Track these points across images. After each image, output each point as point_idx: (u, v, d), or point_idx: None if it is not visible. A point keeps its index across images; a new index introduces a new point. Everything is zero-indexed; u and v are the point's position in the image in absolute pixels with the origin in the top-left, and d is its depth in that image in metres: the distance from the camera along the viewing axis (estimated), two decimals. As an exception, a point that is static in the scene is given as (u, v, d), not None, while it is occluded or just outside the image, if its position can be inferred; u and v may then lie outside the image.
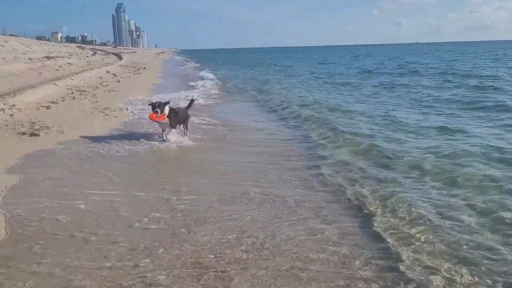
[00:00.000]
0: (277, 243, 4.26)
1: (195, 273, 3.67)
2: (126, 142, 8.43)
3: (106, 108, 12.19)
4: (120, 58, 47.20)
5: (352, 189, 5.88)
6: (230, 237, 4.39)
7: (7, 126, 8.69)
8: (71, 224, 4.57)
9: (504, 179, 6.01)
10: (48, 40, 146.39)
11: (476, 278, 3.62)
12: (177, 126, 9.10)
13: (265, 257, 3.97)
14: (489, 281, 3.57)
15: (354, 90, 20.48)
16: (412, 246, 4.15)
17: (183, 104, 12.14)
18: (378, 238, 4.41)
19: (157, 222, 4.74)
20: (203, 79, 27.32)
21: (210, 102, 15.88)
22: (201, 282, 3.52)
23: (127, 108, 12.75)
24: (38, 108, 11.08)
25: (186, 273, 3.65)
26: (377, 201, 5.36)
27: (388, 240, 4.33)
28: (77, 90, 15.40)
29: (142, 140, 8.67)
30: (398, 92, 18.72)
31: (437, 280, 3.57)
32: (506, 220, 4.71)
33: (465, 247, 4.12)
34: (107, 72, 25.31)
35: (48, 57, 32.77)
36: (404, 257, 3.94)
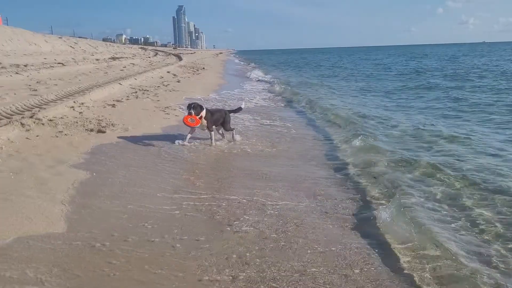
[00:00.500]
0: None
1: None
2: (189, 140, 8.62)
3: (167, 107, 12.57)
4: (180, 58, 48.56)
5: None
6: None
7: (76, 123, 9.17)
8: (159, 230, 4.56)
9: None
10: (113, 41, 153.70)
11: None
12: (216, 128, 8.89)
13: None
14: None
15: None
16: None
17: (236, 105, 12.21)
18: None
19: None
20: (260, 80, 27.49)
21: (266, 105, 15.93)
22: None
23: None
24: (105, 106, 11.61)
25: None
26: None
27: None
28: (140, 90, 16.01)
29: (202, 139, 8.84)
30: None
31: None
32: None
33: None
34: (168, 72, 26.12)
35: (113, 58, 34.38)
36: None
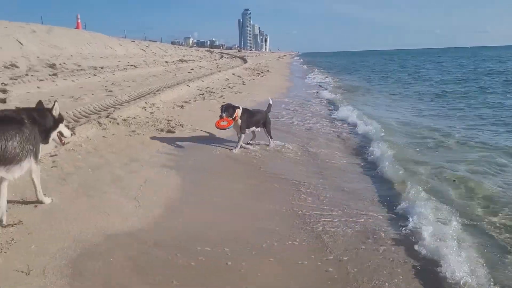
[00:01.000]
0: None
1: None
2: (259, 142, 8.74)
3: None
4: (245, 61, 49.21)
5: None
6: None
7: (148, 123, 9.59)
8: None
9: None
10: (181, 44, 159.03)
11: None
12: (253, 129, 8.56)
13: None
14: None
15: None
16: None
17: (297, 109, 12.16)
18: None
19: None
20: (322, 87, 27.18)
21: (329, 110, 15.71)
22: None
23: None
24: (174, 107, 12.03)
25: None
26: None
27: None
28: (206, 91, 16.43)
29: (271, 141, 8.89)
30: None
31: None
32: None
33: None
34: (233, 74, 26.58)
35: (181, 61, 35.56)
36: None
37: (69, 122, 8.37)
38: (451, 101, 18.57)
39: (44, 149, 5.52)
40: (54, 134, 4.81)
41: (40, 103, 4.83)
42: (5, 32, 20.75)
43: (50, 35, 25.41)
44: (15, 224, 4.18)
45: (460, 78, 30.91)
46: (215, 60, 48.13)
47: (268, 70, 35.09)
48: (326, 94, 20.03)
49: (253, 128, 8.59)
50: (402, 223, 5.05)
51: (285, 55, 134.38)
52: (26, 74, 14.68)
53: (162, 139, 8.34)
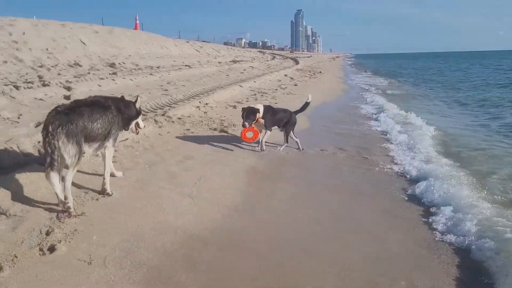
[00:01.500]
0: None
1: None
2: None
3: (285, 110, 12.77)
4: (297, 62, 49.05)
5: None
6: None
7: (201, 122, 9.77)
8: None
9: None
10: (234, 45, 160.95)
11: None
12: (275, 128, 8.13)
13: None
14: None
15: None
16: None
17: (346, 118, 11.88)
18: None
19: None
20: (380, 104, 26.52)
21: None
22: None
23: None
24: (226, 107, 12.19)
25: None
26: None
27: None
28: (258, 92, 16.53)
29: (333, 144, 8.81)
30: None
31: None
32: None
33: None
34: (285, 75, 26.57)
35: (234, 61, 35.97)
36: None
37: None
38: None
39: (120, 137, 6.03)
40: (133, 124, 5.57)
41: (123, 96, 5.48)
42: (70, 32, 21.88)
43: (111, 35, 26.53)
44: (78, 215, 4.38)
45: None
46: (267, 61, 48.28)
47: (320, 72, 34.78)
48: (380, 99, 19.51)
49: (275, 127, 8.17)
50: None
51: (337, 57, 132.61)
52: (88, 73, 15.40)
53: (215, 138, 8.46)
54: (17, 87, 10.41)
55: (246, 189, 5.95)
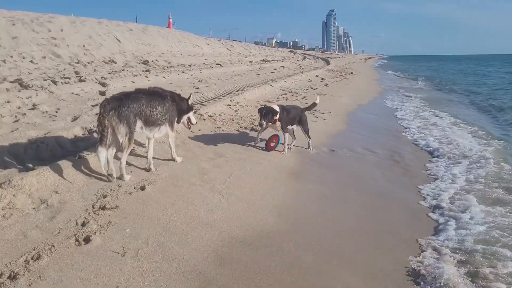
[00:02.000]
0: None
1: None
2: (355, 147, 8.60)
3: (315, 111, 12.67)
4: (328, 63, 48.71)
5: None
6: None
7: (232, 120, 9.84)
8: None
9: None
10: (264, 45, 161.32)
11: None
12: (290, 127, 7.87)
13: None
14: None
15: None
16: None
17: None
18: None
19: None
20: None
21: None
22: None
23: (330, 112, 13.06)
24: (257, 106, 12.18)
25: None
26: None
27: None
28: (289, 92, 16.50)
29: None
30: None
31: None
32: None
33: None
34: (316, 76, 26.43)
35: (265, 61, 36.03)
36: None
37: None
38: None
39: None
40: (185, 118, 6.26)
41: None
42: (105, 30, 22.44)
43: (145, 33, 27.03)
44: (112, 208, 4.49)
45: None
46: (298, 61, 48.15)
47: (351, 73, 34.41)
48: (416, 102, 19.13)
49: (290, 126, 7.90)
50: None
51: (369, 58, 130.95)
52: (123, 69, 15.75)
53: (245, 137, 8.49)
54: (55, 82, 10.75)
55: (276, 188, 5.95)
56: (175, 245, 4.02)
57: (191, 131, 8.20)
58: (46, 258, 3.50)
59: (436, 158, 8.58)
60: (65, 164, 5.14)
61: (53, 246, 3.68)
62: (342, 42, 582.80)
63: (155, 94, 5.55)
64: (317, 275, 3.87)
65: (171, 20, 47.19)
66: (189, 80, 16.29)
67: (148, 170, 5.72)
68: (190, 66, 21.62)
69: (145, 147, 6.13)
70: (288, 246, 4.32)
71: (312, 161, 7.65)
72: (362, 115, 13.87)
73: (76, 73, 13.07)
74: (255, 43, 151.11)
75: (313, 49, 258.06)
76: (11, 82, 9.98)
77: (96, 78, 12.55)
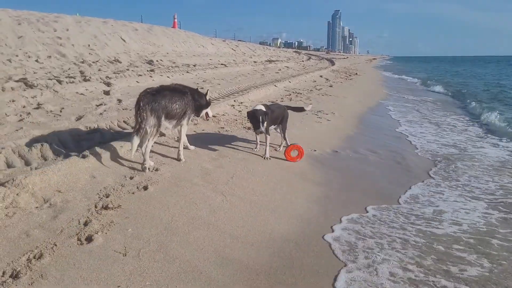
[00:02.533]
0: None
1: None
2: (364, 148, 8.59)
3: (319, 111, 12.68)
4: (333, 63, 48.65)
5: None
6: None
7: (236, 120, 9.84)
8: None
9: None
10: (269, 45, 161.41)
11: None
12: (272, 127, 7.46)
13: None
14: None
15: None
16: None
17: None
18: None
19: None
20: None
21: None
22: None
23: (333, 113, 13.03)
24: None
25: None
26: None
27: None
28: (293, 92, 16.50)
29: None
30: None
31: None
32: None
33: None
34: (320, 76, 26.41)
35: (269, 61, 36.03)
36: None
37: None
38: None
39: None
40: (203, 112, 6.70)
41: (197, 88, 6.73)
42: (111, 30, 22.52)
43: (150, 33, 27.10)
44: (114, 208, 4.50)
45: None
46: (303, 61, 48.10)
47: (356, 74, 34.35)
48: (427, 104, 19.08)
49: (272, 126, 7.50)
50: None
51: (374, 59, 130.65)
52: (127, 69, 15.80)
53: (249, 137, 8.50)
54: (60, 82, 10.81)
55: (279, 189, 5.96)
56: (177, 245, 4.03)
57: (194, 131, 8.24)
58: (48, 257, 3.52)
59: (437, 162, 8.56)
60: (68, 164, 5.17)
61: (55, 245, 3.70)
62: (347, 42, 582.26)
63: (176, 91, 6.04)
64: (317, 275, 3.88)
65: (176, 20, 47.29)
66: (194, 80, 16.31)
67: (178, 159, 6.34)
68: (194, 66, 21.65)
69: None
70: (289, 247, 4.33)
71: (315, 162, 7.63)
72: (367, 116, 13.84)
73: (81, 72, 13.13)
74: (260, 43, 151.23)
75: (318, 50, 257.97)
76: (16, 81, 10.04)
77: (100, 78, 12.60)
